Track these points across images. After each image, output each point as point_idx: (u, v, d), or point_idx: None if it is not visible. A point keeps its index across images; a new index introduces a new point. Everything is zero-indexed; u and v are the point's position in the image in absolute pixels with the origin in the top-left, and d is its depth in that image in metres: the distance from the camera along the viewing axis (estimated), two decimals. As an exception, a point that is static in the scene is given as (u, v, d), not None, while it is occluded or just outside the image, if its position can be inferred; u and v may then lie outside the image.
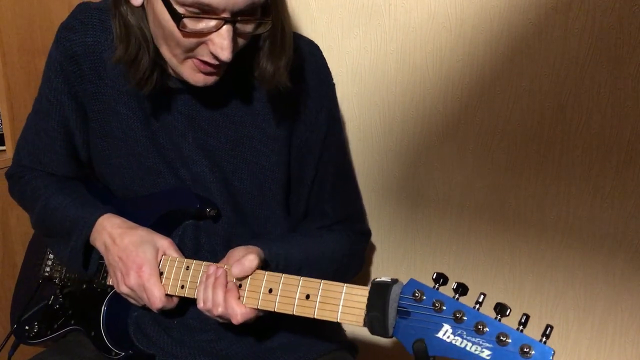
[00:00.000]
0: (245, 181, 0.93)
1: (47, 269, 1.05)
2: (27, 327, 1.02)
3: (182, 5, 0.73)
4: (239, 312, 0.79)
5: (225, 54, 0.75)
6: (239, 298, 0.80)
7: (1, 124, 1.45)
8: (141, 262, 0.85)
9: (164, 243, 0.89)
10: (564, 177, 1.06)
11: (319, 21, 1.19)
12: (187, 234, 0.94)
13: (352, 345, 1.03)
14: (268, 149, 0.92)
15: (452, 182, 1.16)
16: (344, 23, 1.18)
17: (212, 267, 0.83)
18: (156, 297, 0.85)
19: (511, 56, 1.04)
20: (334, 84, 0.97)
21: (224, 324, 0.95)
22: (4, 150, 1.48)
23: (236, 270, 0.79)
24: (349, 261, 1.00)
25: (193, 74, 0.81)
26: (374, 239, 1.27)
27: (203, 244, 0.94)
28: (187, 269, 0.86)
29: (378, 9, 1.14)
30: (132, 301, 0.90)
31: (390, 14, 1.13)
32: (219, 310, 0.79)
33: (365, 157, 1.24)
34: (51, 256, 1.06)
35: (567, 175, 1.05)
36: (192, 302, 0.93)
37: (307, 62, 0.93)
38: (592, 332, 1.09)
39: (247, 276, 0.80)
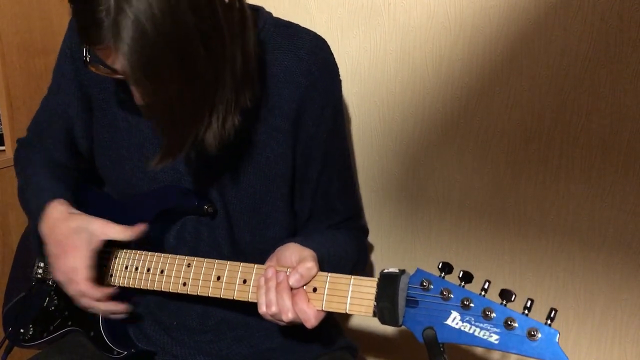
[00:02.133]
0: (248, 173, 0.92)
1: (40, 270, 1.04)
2: (22, 330, 1.01)
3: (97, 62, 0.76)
4: (312, 316, 0.75)
5: (137, 101, 0.76)
6: (309, 301, 0.76)
7: (1, 124, 1.45)
8: (72, 267, 0.86)
9: (97, 226, 0.87)
10: (563, 177, 1.05)
11: (319, 21, 1.19)
12: (187, 229, 0.93)
13: (352, 345, 1.03)
14: (273, 141, 0.92)
15: (452, 182, 1.16)
16: (343, 23, 1.18)
17: (271, 270, 0.78)
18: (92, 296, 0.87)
19: (511, 56, 1.04)
20: (340, 80, 0.97)
21: (223, 325, 0.95)
22: (4, 151, 1.48)
23: (294, 280, 0.75)
24: (361, 258, 1.00)
25: None
26: (374, 239, 1.27)
27: (205, 238, 0.93)
28: (188, 267, 0.86)
29: (377, 9, 1.14)
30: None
31: (390, 14, 1.13)
32: (289, 315, 0.75)
33: (365, 157, 1.24)
34: None
35: (567, 175, 1.05)
36: (191, 302, 0.94)
37: (315, 56, 0.92)
38: (592, 332, 1.09)
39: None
